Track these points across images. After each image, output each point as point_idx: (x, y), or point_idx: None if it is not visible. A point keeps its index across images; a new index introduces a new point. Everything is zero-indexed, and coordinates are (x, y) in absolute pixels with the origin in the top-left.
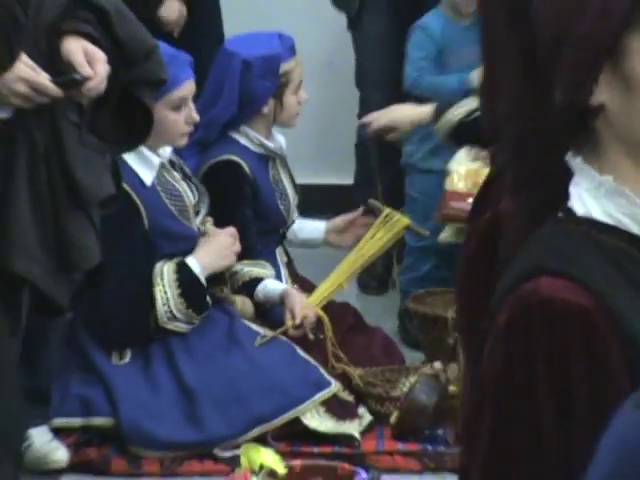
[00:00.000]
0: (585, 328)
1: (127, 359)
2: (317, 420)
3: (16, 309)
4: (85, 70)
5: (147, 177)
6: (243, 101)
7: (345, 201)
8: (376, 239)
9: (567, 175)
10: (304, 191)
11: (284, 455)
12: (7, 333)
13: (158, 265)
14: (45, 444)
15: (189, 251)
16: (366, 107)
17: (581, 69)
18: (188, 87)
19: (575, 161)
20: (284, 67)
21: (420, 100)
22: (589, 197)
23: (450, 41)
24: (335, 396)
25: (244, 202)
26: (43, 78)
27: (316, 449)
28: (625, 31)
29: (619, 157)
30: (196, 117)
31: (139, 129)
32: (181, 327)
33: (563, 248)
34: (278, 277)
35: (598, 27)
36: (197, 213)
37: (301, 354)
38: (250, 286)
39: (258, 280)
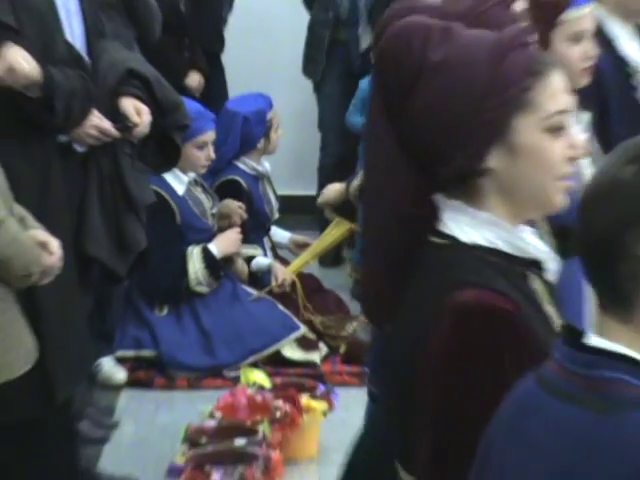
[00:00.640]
0: (512, 327)
1: (165, 312)
2: (291, 351)
3: (87, 278)
4: (135, 119)
5: (179, 189)
6: (244, 142)
7: (311, 207)
8: (330, 235)
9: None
10: (282, 199)
11: (270, 375)
12: (80, 295)
13: (189, 248)
14: (110, 368)
15: (207, 239)
16: (325, 142)
17: (475, 147)
18: (210, 134)
19: (451, 202)
20: (268, 116)
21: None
22: (470, 228)
23: None
24: (303, 335)
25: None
26: (107, 125)
27: (291, 371)
28: (512, 115)
29: (497, 203)
30: (213, 156)
31: (172, 158)
32: (204, 289)
33: (471, 266)
34: (265, 255)
35: (493, 118)
36: (212, 215)
37: (280, 307)
38: (247, 261)
39: (252, 257)
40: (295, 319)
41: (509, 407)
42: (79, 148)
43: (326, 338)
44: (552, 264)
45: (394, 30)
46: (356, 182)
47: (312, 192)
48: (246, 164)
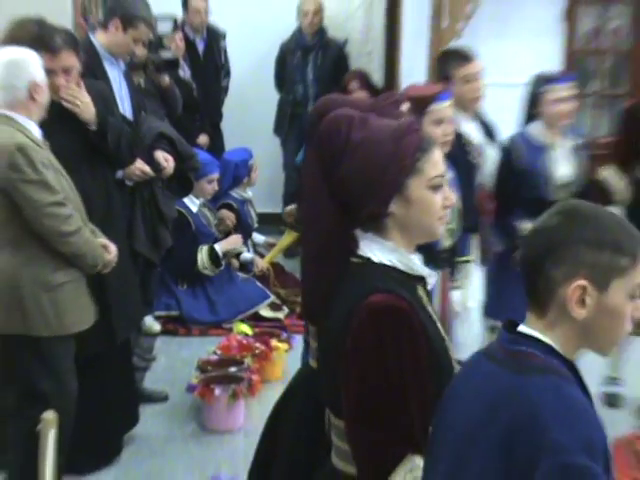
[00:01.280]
0: (407, 321)
1: (185, 287)
2: (265, 312)
3: (135, 265)
4: (164, 165)
5: (194, 208)
6: (234, 179)
7: (277, 220)
8: (286, 239)
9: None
10: (259, 215)
11: (252, 327)
12: (132, 275)
13: (200, 247)
14: (150, 322)
15: (212, 242)
16: (287, 178)
17: (383, 198)
18: (215, 174)
19: (366, 235)
20: (250, 162)
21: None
22: (379, 252)
23: None
24: (273, 302)
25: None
26: (146, 168)
27: (265, 324)
28: (407, 177)
29: (397, 236)
30: (217, 188)
31: (187, 189)
32: (208, 272)
33: (379, 278)
34: (249, 252)
35: (395, 179)
36: (215, 225)
37: (259, 284)
38: (237, 256)
39: (240, 253)
40: (268, 291)
41: (464, 368)
42: (128, 182)
43: (287, 303)
44: (431, 279)
45: (329, 117)
46: (288, 208)
47: (278, 210)
48: (236, 193)
